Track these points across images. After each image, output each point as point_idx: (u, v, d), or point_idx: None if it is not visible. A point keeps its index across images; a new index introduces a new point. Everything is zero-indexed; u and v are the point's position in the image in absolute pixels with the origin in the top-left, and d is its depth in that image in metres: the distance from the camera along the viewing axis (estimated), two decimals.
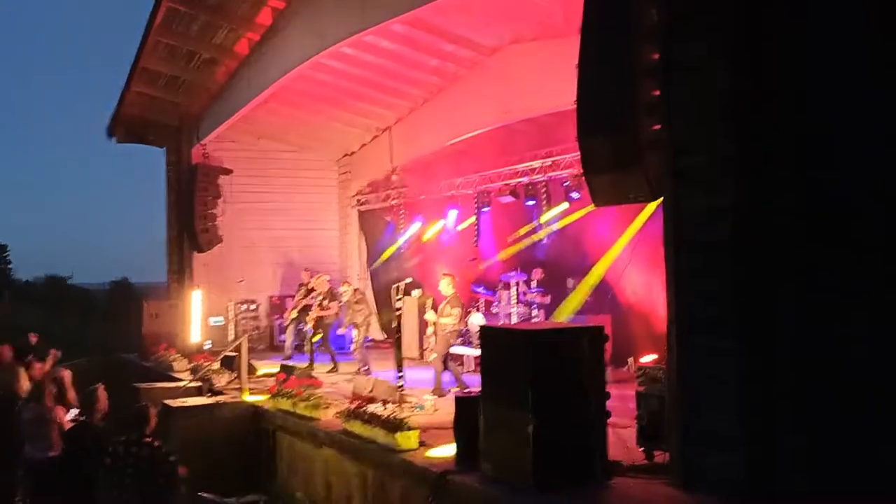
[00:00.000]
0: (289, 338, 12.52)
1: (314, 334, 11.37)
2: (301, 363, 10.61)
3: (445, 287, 9.36)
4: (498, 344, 5.45)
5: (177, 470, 5.26)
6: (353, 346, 10.90)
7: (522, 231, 12.29)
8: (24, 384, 7.33)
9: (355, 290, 11.27)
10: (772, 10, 4.63)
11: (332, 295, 11.47)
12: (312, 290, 11.75)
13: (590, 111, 5.46)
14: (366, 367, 10.64)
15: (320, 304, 11.32)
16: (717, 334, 4.76)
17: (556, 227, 11.56)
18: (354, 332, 11.12)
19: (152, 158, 16.67)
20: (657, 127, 5.30)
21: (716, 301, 4.77)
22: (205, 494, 5.43)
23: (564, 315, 10.52)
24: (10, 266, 37.78)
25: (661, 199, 5.39)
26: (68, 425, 6.04)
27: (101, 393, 5.95)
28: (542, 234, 11.60)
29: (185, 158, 15.07)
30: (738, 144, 4.73)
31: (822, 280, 4.47)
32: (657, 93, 5.32)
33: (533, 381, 5.02)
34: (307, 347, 11.48)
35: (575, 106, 5.57)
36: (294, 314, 12.25)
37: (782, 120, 4.61)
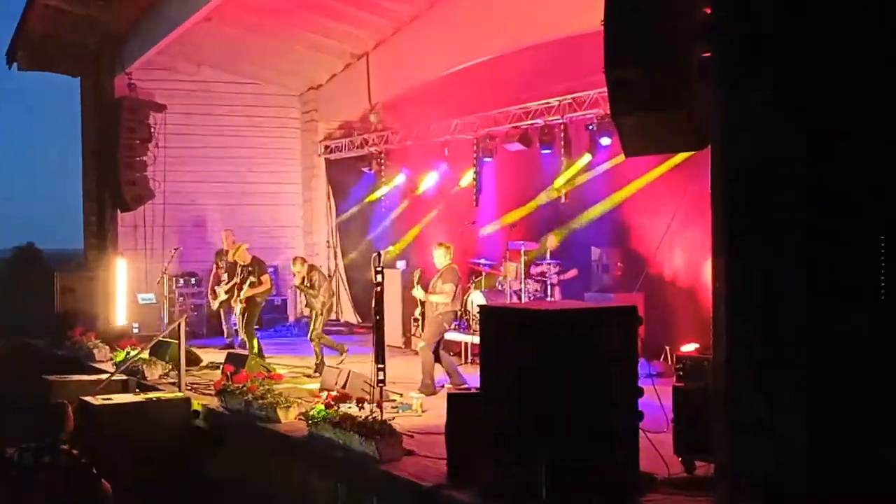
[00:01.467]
0: (226, 319, 12.78)
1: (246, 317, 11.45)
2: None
3: (439, 258, 9.39)
4: (501, 328, 5.50)
5: (99, 484, 5.32)
6: (310, 335, 10.94)
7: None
8: None
9: (311, 267, 11.26)
10: None
11: (260, 267, 11.52)
12: (235, 263, 11.83)
13: (621, 32, 5.43)
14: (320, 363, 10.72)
15: (248, 280, 11.35)
16: (780, 315, 4.79)
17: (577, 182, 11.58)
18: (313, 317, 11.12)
19: (64, 91, 16.51)
20: (708, 54, 5.27)
21: (777, 271, 4.80)
22: None
23: None
24: None
25: (710, 147, 5.40)
26: None
27: (68, 412, 5.95)
28: (559, 189, 11.55)
29: (106, 91, 14.95)
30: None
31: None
32: (709, 10, 5.30)
33: (545, 375, 5.07)
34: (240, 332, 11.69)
35: (602, 26, 5.53)
36: (223, 295, 12.36)
37: None
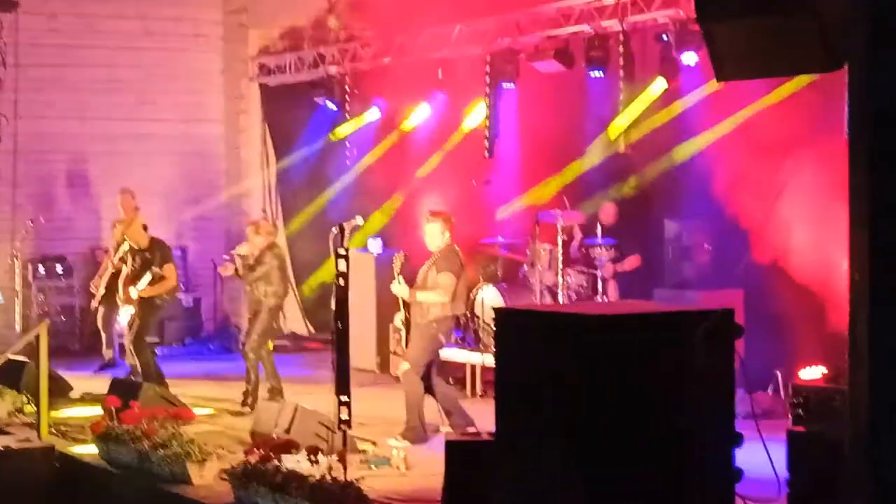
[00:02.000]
0: (108, 328, 12.94)
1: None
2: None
3: (433, 236, 9.34)
4: (530, 341, 5.48)
5: None
6: (246, 344, 10.95)
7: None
8: None
9: (272, 243, 11.26)
10: None
11: (163, 254, 11.52)
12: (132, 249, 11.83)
13: None
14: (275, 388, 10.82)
15: (146, 273, 11.34)
16: None
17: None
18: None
19: None
20: None
21: None
22: None
23: None
24: None
25: (847, 70, 5.39)
26: None
27: None
28: (618, 134, 11.52)
29: None
30: None
31: None
32: None
33: (591, 410, 5.06)
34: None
35: None
36: (102, 289, 12.48)
37: None
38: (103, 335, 12.98)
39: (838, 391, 5.77)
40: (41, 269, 14.75)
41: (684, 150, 11.23)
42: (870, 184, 5.15)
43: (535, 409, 5.38)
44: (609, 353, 5.16)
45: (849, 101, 5.36)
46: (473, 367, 11.28)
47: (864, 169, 5.21)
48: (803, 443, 5.97)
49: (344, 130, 14.93)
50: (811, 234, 9.69)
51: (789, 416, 6.26)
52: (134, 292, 11.37)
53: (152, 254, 11.46)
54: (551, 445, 5.23)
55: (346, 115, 14.78)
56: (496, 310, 6.27)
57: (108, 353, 12.81)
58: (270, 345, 11.24)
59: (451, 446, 6.27)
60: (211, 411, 10.54)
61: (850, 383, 5.39)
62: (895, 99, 5.11)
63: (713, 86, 9.88)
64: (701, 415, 5.31)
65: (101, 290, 12.54)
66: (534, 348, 5.48)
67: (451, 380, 10.48)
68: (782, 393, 9.16)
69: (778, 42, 5.53)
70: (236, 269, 11.27)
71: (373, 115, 14.42)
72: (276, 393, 10.69)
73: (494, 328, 6.00)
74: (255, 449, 7.38)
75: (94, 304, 12.98)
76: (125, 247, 11.75)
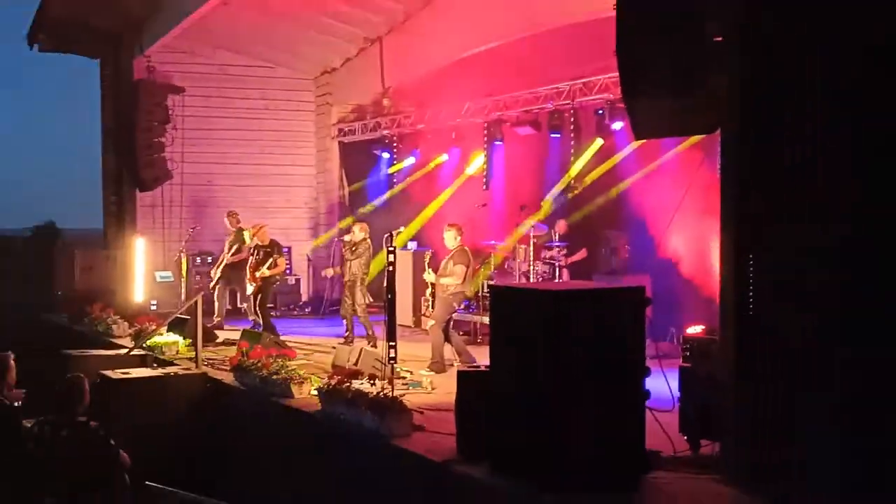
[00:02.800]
0: (221, 300, 12.73)
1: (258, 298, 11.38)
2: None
3: (450, 239, 9.32)
4: (511, 307, 5.43)
5: (118, 456, 5.31)
6: (359, 309, 10.91)
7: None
8: None
9: (364, 234, 10.98)
10: None
11: (278, 249, 11.53)
12: (242, 244, 11.82)
13: (634, 14, 5.34)
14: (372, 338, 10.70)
15: (268, 261, 11.31)
16: (794, 301, 4.71)
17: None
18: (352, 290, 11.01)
19: (84, 72, 16.51)
20: (720, 38, 5.19)
21: (792, 264, 4.72)
22: (153, 484, 5.50)
23: None
24: None
25: (721, 131, 5.34)
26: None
27: (11, 362, 5.97)
28: (574, 178, 11.43)
29: (125, 73, 14.93)
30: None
31: None
32: None
33: (554, 353, 5.01)
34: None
35: (614, 12, 5.44)
36: (217, 274, 12.37)
37: None
38: (216, 304, 12.64)
39: (713, 340, 5.70)
40: (197, 259, 14.68)
41: (618, 188, 11.17)
42: (733, 206, 5.12)
43: (516, 349, 5.35)
44: (567, 312, 5.13)
45: (721, 151, 5.31)
46: (476, 324, 11.21)
47: (729, 196, 5.17)
48: (690, 375, 5.90)
49: (393, 169, 14.88)
50: (695, 239, 9.61)
51: (681, 357, 6.13)
52: (257, 274, 11.36)
53: (271, 249, 11.43)
54: (527, 370, 5.19)
55: (394, 160, 14.73)
56: (490, 287, 6.24)
57: (217, 319, 12.48)
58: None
59: (461, 374, 6.19)
60: (304, 352, 10.50)
61: (720, 336, 5.36)
62: (744, 153, 5.07)
63: (634, 144, 9.83)
64: (623, 355, 5.26)
65: (217, 274, 12.42)
66: (515, 311, 5.45)
67: (461, 332, 10.39)
68: (676, 342, 9.10)
69: (677, 113, 5.48)
70: (334, 269, 11.20)
71: (411, 160, 14.36)
72: (372, 339, 10.60)
73: (490, 297, 5.91)
74: (335, 376, 7.35)
75: (210, 284, 12.79)
76: (251, 243, 11.71)
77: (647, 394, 5.37)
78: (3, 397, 5.89)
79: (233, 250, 12.39)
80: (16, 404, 5.96)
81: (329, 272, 12.36)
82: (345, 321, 11.17)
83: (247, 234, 11.99)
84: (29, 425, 5.54)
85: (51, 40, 15.19)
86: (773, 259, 4.85)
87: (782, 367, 4.78)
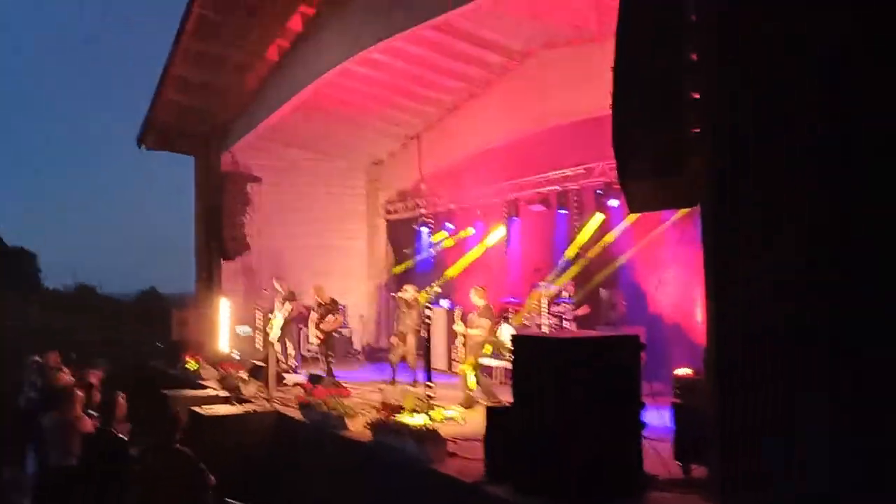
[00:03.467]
0: (284, 350, 12.46)
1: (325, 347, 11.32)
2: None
3: (476, 298, 9.35)
4: (530, 353, 5.41)
5: (207, 478, 5.29)
6: (410, 357, 10.83)
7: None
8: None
9: (416, 295, 11.00)
10: None
11: (336, 305, 11.51)
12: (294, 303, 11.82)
13: (626, 112, 5.40)
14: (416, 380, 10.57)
15: (326, 316, 11.29)
16: (763, 344, 4.64)
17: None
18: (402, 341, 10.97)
19: (181, 166, 16.90)
20: (697, 130, 5.23)
21: (760, 310, 4.66)
22: (232, 501, 5.46)
23: None
24: (39, 273, 38.54)
25: (700, 206, 5.33)
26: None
27: (121, 400, 6.01)
28: (582, 247, 11.35)
29: (215, 166, 15.25)
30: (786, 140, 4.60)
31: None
32: (697, 95, 5.26)
33: (566, 391, 4.97)
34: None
35: (609, 111, 5.51)
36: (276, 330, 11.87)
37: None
38: (285, 353, 12.50)
39: (699, 379, 5.60)
40: (270, 315, 14.67)
41: (618, 256, 11.05)
42: (714, 273, 5.08)
43: (534, 389, 5.30)
44: (576, 357, 5.09)
45: (703, 222, 5.30)
46: (499, 369, 11.07)
47: (710, 263, 5.13)
48: (680, 409, 5.81)
49: (430, 245, 14.88)
50: (682, 296, 9.54)
51: (672, 394, 6.03)
52: (322, 327, 11.35)
53: (331, 306, 11.48)
54: (544, 405, 5.13)
55: (431, 234, 14.81)
56: (513, 336, 6.19)
57: (285, 365, 12.30)
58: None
59: (489, 410, 6.15)
60: (358, 392, 10.45)
61: (706, 377, 5.27)
62: (720, 225, 5.04)
63: (630, 217, 9.78)
64: (623, 391, 5.20)
65: (277, 331, 11.74)
66: (533, 356, 5.42)
67: (486, 375, 10.30)
68: (668, 382, 8.92)
69: (663, 190, 5.48)
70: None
71: (442, 236, 14.34)
72: (416, 383, 10.34)
73: (513, 345, 5.88)
74: (382, 411, 7.30)
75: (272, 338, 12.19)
76: (313, 302, 11.72)
77: (643, 424, 5.30)
78: (114, 430, 5.92)
79: (287, 308, 12.11)
80: (123, 437, 5.98)
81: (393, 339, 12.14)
82: (391, 366, 11.10)
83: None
84: (135, 453, 5.55)
85: (156, 141, 15.59)
86: (743, 311, 4.79)
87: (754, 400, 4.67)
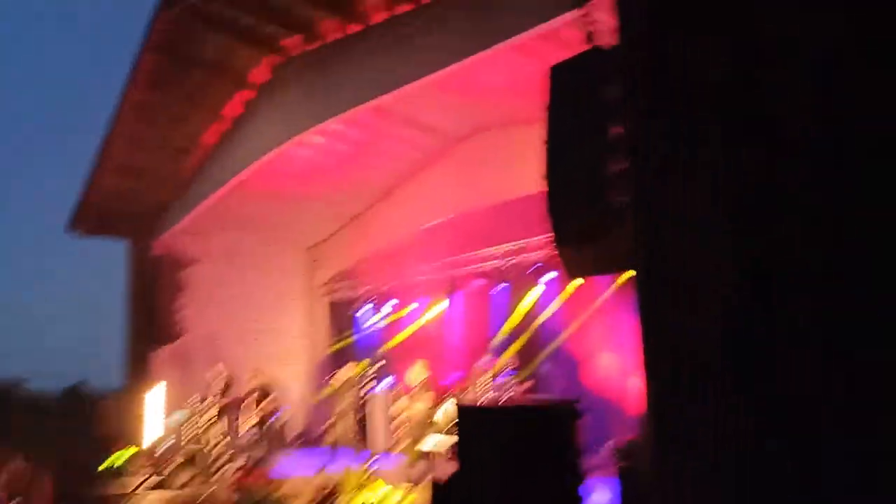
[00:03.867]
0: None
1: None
2: None
3: (419, 373, 9.28)
4: (470, 423, 5.38)
5: None
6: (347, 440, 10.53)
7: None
8: None
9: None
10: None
11: (273, 386, 11.27)
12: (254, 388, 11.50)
13: (558, 183, 5.61)
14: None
15: (262, 400, 11.03)
16: (696, 397, 4.75)
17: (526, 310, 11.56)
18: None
19: (110, 250, 16.54)
20: (625, 199, 5.47)
21: (695, 363, 4.79)
22: None
23: None
24: None
25: (632, 271, 5.52)
26: None
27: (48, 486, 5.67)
28: (516, 319, 11.51)
29: (149, 250, 15.01)
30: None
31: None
32: (623, 166, 5.54)
33: (504, 458, 4.94)
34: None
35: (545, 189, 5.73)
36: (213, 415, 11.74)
37: None
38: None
39: (640, 443, 5.66)
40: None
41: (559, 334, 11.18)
42: (647, 334, 5.23)
43: (475, 459, 5.24)
44: (515, 422, 5.09)
45: (636, 287, 5.46)
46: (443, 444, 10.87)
47: (644, 328, 5.28)
48: (625, 475, 5.83)
49: (369, 324, 14.80)
50: (619, 369, 9.66)
51: (615, 461, 6.05)
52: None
53: (268, 388, 11.21)
54: (483, 477, 5.07)
55: (372, 313, 14.72)
56: (458, 405, 6.11)
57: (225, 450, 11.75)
58: None
59: (433, 484, 5.97)
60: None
61: (647, 441, 5.34)
62: (651, 287, 5.22)
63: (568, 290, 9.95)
64: (564, 459, 5.19)
65: (214, 416, 11.79)
66: (475, 424, 5.38)
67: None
68: (608, 453, 8.89)
69: (597, 256, 5.62)
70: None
71: (386, 310, 14.32)
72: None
73: (457, 415, 5.83)
74: (322, 493, 7.07)
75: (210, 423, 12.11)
76: (250, 386, 11.44)
77: (579, 499, 5.26)
78: None
79: (227, 392, 11.82)
80: None
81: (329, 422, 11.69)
82: (330, 448, 10.76)
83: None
84: None
85: (88, 226, 15.29)
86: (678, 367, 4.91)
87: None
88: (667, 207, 5.21)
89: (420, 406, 9.02)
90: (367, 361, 9.23)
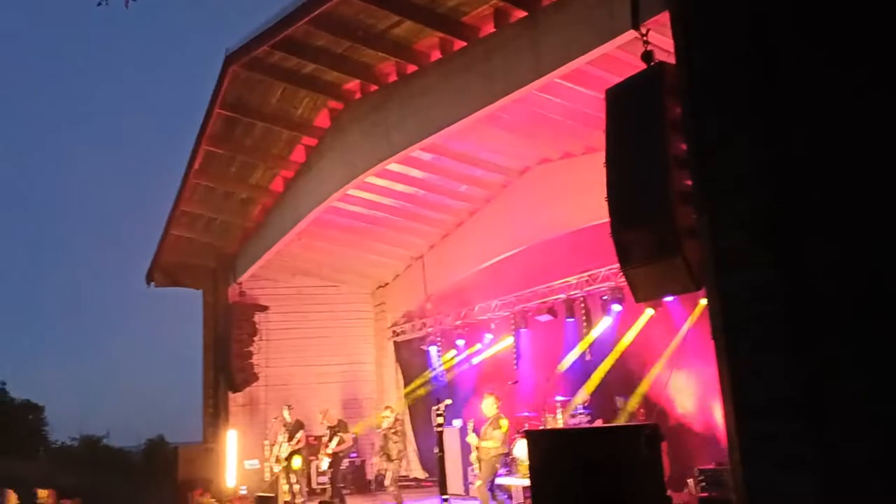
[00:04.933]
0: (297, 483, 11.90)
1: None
2: None
3: (488, 407, 9.13)
4: (546, 447, 5.24)
5: None
6: (387, 482, 10.42)
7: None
8: None
9: (397, 418, 10.90)
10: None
11: (345, 427, 11.25)
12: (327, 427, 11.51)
13: (621, 204, 5.53)
14: None
15: (335, 438, 11.03)
16: (782, 418, 4.50)
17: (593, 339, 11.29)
18: (386, 465, 10.61)
19: (186, 301, 17.04)
20: (693, 216, 5.32)
21: (775, 382, 4.56)
22: None
23: None
24: (45, 428, 37.84)
25: (705, 292, 5.33)
26: None
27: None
28: (581, 348, 11.27)
29: (222, 298, 15.38)
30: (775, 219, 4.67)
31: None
32: (689, 182, 5.41)
33: (584, 483, 4.77)
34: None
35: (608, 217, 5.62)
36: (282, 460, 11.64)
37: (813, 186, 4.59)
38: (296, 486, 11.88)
39: (725, 469, 5.39)
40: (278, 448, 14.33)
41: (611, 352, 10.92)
42: (727, 368, 5.01)
43: (552, 487, 5.09)
44: (593, 448, 4.93)
45: (709, 304, 5.27)
46: (516, 488, 10.62)
47: (723, 339, 5.07)
48: (707, 503, 5.54)
49: (438, 365, 14.71)
50: (695, 394, 9.32)
51: (698, 489, 5.77)
52: (328, 449, 11.05)
53: (340, 428, 11.21)
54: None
55: (440, 353, 14.67)
56: (527, 432, 5.99)
57: (300, 500, 11.76)
58: None
59: None
60: None
61: (730, 461, 5.06)
62: (726, 300, 5.02)
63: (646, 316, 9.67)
64: (645, 483, 4.99)
65: (283, 461, 11.71)
66: (549, 451, 5.24)
67: (504, 494, 9.86)
68: (692, 491, 8.50)
69: (665, 276, 5.48)
70: (390, 425, 10.75)
71: (452, 352, 14.24)
72: None
73: (527, 441, 5.68)
74: None
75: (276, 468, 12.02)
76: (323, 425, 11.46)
77: None
78: None
79: (296, 438, 11.84)
80: None
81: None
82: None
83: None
84: None
85: (164, 278, 15.80)
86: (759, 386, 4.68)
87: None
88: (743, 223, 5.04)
89: (491, 441, 8.83)
90: (438, 401, 9.11)
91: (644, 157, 5.52)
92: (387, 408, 11.06)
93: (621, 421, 10.49)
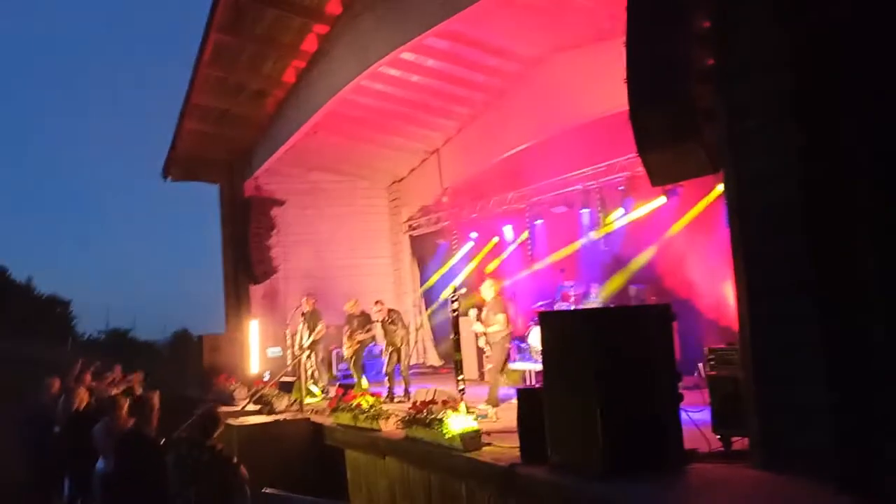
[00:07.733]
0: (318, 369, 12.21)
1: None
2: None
3: (486, 290, 9.14)
4: (559, 328, 5.33)
5: (240, 471, 5.26)
6: (384, 369, 10.68)
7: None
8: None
9: (389, 310, 10.95)
10: None
11: (368, 318, 11.46)
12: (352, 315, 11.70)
13: (642, 84, 5.40)
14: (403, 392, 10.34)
15: (361, 328, 11.27)
16: (792, 299, 4.55)
17: (612, 228, 11.30)
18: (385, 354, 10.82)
19: (205, 195, 17.09)
20: (711, 96, 5.20)
21: (787, 264, 4.59)
22: (269, 490, 5.42)
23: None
24: (73, 321, 38.98)
25: (722, 173, 5.28)
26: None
27: (155, 401, 6.02)
28: (600, 233, 11.24)
29: (239, 192, 15.43)
30: (797, 101, 4.57)
31: None
32: (711, 61, 5.26)
33: (598, 362, 4.88)
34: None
35: (627, 107, 5.49)
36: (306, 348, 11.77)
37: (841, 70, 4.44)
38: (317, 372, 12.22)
39: (734, 349, 5.49)
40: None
41: (639, 255, 10.99)
42: (742, 231, 5.01)
43: (565, 364, 5.20)
44: (606, 327, 5.01)
45: (725, 186, 5.23)
46: (530, 372, 10.90)
47: (738, 222, 5.07)
48: (718, 381, 5.68)
49: (453, 259, 14.85)
50: (710, 280, 9.39)
51: (708, 367, 5.90)
52: (357, 338, 11.28)
53: (365, 319, 11.44)
54: (575, 382, 5.04)
55: (454, 248, 14.77)
56: (539, 313, 6.06)
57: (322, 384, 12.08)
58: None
59: (521, 392, 6.01)
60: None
61: (740, 339, 5.16)
62: (743, 182, 4.98)
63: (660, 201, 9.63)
64: (657, 361, 5.11)
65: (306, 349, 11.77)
66: (562, 330, 5.33)
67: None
68: (703, 374, 8.70)
69: (682, 159, 5.42)
70: (383, 319, 10.95)
71: (467, 246, 14.35)
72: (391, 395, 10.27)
73: (540, 321, 5.77)
74: (415, 407, 7.23)
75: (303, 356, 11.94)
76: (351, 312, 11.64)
77: (681, 396, 5.18)
78: (148, 432, 5.92)
79: (318, 328, 11.94)
80: (155, 437, 5.96)
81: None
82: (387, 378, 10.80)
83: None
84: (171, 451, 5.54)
85: (180, 172, 15.79)
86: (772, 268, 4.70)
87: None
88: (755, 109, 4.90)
89: (496, 326, 8.91)
90: (453, 287, 9.22)
91: (665, 34, 5.34)
92: (377, 302, 11.17)
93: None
